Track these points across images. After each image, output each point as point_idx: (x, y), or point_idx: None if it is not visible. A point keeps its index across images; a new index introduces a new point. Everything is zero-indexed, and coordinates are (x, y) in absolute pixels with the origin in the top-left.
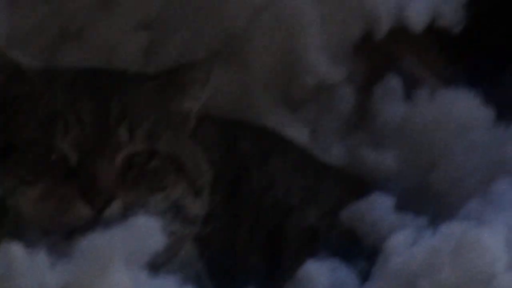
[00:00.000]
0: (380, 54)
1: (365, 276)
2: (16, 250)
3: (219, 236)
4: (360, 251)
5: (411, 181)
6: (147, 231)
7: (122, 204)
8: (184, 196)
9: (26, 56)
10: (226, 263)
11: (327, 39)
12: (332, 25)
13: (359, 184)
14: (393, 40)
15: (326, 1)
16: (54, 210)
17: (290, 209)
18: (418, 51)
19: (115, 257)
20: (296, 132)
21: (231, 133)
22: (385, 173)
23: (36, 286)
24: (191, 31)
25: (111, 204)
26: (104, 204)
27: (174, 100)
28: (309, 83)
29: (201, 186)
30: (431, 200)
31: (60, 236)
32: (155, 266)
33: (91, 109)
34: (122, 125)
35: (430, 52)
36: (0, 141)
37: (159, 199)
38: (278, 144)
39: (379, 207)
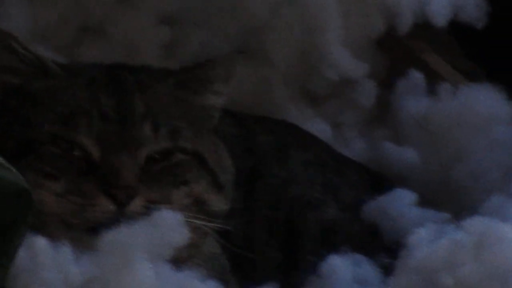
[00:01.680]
0: (402, 49)
1: (387, 271)
2: (41, 243)
3: (240, 230)
4: (382, 246)
5: (433, 176)
6: (170, 226)
7: (144, 199)
8: (207, 192)
9: (48, 51)
10: (247, 257)
11: (349, 34)
12: (354, 20)
13: (380, 179)
14: (416, 35)
15: None
16: (77, 205)
17: (309, 203)
18: (440, 46)
19: (138, 252)
20: (318, 126)
21: (250, 127)
22: (407, 168)
23: (60, 280)
24: (212, 26)
25: (134, 199)
26: (126, 199)
27: (197, 96)
28: (331, 78)
29: (224, 181)
30: (453, 195)
31: (83, 231)
32: (179, 260)
33: (114, 104)
34: (146, 122)
35: (452, 47)
36: (22, 136)
37: (182, 195)
38: (298, 138)
39: (401, 202)
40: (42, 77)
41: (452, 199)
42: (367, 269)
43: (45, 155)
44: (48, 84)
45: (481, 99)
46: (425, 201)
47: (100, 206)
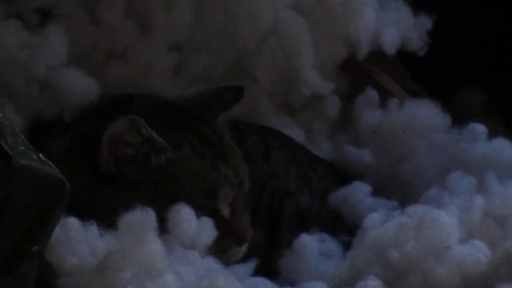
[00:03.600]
0: (360, 71)
1: (347, 247)
2: (73, 222)
3: None
4: (343, 227)
5: (384, 172)
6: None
7: None
8: None
9: (81, 71)
10: None
11: (318, 59)
12: (323, 48)
13: (343, 174)
14: (371, 60)
15: (318, 28)
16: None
17: (288, 193)
18: (390, 69)
19: (150, 230)
20: (294, 132)
21: (242, 132)
22: (364, 165)
23: (88, 251)
24: (212, 51)
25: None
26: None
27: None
28: (305, 93)
29: None
30: (400, 187)
31: None
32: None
33: (233, 173)
34: (246, 180)
35: (400, 70)
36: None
37: None
38: (279, 140)
39: (359, 192)
40: (162, 152)
41: (398, 190)
42: (331, 245)
43: None
44: (173, 157)
45: (422, 111)
46: (378, 192)
47: (231, 251)
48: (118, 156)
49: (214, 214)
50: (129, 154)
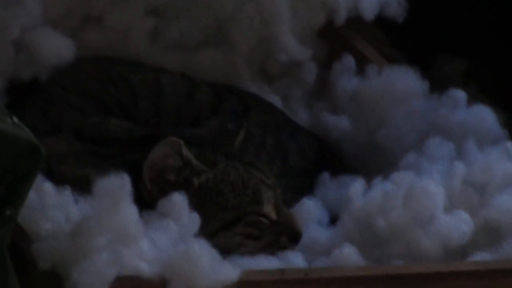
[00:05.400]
0: (338, 38)
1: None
2: (47, 187)
3: None
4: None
5: (362, 139)
6: None
7: None
8: None
9: (57, 33)
10: None
11: (296, 26)
12: (300, 14)
13: (324, 147)
14: (349, 26)
15: None
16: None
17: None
18: (369, 36)
19: (125, 196)
20: (272, 99)
21: (221, 96)
22: (342, 132)
23: (63, 217)
24: (189, 17)
25: None
26: None
27: None
28: (282, 60)
29: None
30: (378, 154)
31: None
32: None
33: (264, 176)
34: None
35: (378, 37)
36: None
37: None
38: (261, 105)
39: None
40: (202, 174)
41: (377, 156)
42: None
43: (251, 223)
44: (212, 175)
45: (400, 78)
46: (356, 159)
47: (287, 248)
48: (159, 183)
49: (264, 219)
50: (171, 180)
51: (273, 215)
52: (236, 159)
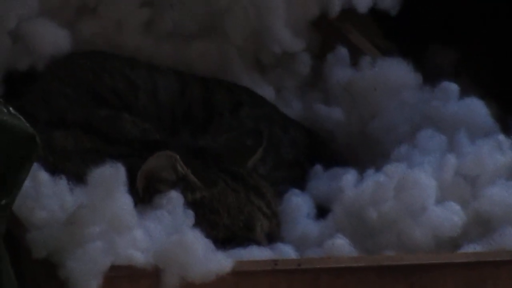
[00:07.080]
0: (332, 29)
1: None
2: (43, 176)
3: None
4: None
5: (354, 130)
6: None
7: None
8: None
9: (53, 24)
10: None
11: (290, 17)
12: (295, 5)
13: (315, 138)
14: (343, 18)
15: None
16: None
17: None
18: (362, 27)
19: (119, 185)
20: (265, 90)
21: (211, 89)
22: (334, 123)
23: (58, 205)
24: (184, 8)
25: None
26: None
27: None
28: (276, 51)
29: None
30: (370, 145)
31: None
32: None
33: (266, 204)
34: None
35: (372, 29)
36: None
37: None
38: (252, 98)
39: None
40: (197, 190)
41: (369, 147)
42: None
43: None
44: (208, 194)
45: (393, 70)
46: (348, 150)
47: None
48: (151, 193)
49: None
50: (164, 191)
51: (265, 244)
52: (241, 182)
